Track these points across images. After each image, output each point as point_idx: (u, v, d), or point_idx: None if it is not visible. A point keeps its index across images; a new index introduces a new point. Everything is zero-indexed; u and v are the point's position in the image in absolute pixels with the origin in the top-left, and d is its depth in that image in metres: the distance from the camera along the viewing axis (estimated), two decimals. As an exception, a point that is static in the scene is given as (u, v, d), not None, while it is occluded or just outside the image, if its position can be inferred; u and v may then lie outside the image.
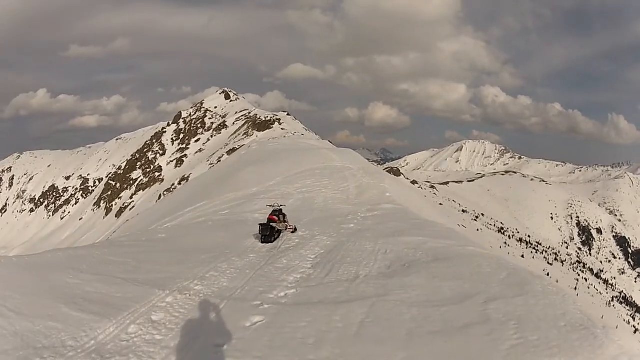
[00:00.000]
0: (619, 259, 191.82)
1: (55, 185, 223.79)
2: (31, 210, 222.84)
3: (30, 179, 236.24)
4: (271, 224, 17.17)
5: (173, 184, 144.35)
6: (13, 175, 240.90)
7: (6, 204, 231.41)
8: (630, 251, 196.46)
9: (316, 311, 9.53)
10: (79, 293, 9.75)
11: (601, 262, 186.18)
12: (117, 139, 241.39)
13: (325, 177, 34.27)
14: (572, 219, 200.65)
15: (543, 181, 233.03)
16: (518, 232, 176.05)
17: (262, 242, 16.66)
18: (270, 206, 19.42)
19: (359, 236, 16.94)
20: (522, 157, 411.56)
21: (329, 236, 17.35)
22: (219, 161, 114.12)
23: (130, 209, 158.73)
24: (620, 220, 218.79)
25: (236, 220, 22.92)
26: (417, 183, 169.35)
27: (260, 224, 17.19)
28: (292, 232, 18.05)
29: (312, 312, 9.49)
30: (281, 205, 19.04)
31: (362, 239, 16.30)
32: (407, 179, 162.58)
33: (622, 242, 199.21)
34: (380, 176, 40.14)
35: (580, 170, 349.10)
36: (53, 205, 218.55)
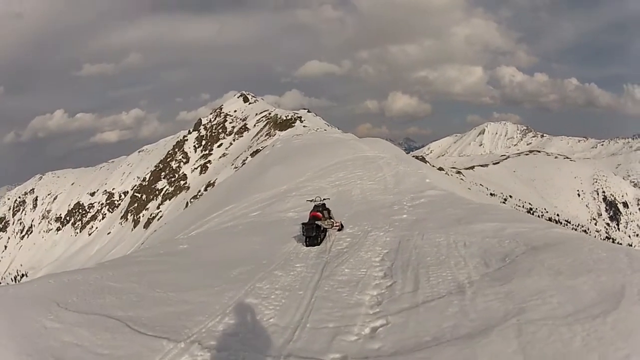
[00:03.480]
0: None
1: (81, 202, 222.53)
2: (58, 229, 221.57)
3: (55, 199, 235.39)
4: (316, 222, 14.41)
5: (199, 191, 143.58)
6: (36, 197, 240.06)
7: (32, 225, 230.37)
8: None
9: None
10: (52, 347, 7.08)
11: (629, 236, 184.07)
12: (139, 151, 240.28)
13: (358, 168, 32.33)
14: (598, 194, 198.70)
15: (567, 158, 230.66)
16: (547, 212, 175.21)
17: (307, 245, 14.00)
18: (310, 201, 16.68)
19: (419, 228, 14.26)
20: (544, 135, 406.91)
21: (385, 231, 14.65)
22: (244, 164, 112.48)
23: (158, 219, 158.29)
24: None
25: (269, 221, 20.95)
26: (443, 169, 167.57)
27: (303, 224, 14.42)
28: (339, 230, 15.32)
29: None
30: (324, 199, 16.34)
31: (425, 230, 13.61)
32: (433, 166, 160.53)
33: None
34: (415, 163, 38.58)
35: (602, 144, 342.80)
36: (80, 222, 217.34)
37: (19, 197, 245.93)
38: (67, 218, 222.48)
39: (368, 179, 28.56)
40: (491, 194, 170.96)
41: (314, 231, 14.09)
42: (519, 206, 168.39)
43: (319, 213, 14.83)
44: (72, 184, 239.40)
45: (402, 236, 13.47)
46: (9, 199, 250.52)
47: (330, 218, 15.22)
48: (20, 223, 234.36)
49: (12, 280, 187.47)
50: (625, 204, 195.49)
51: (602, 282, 7.55)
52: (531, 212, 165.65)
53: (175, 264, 13.17)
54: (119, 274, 11.39)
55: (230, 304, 9.00)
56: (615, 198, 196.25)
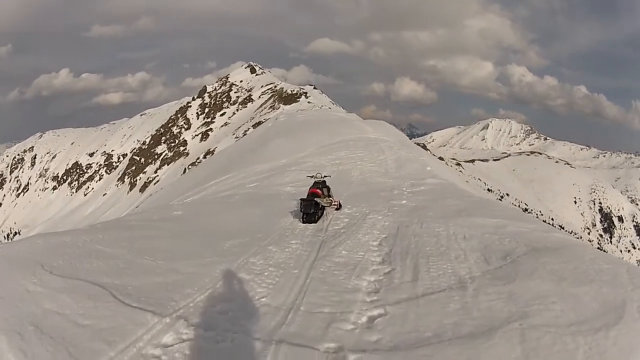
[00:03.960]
0: (639, 249, 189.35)
1: (79, 162, 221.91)
2: (54, 188, 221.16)
3: (53, 157, 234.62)
4: (315, 199, 14.07)
5: (198, 158, 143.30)
6: (35, 155, 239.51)
7: (28, 183, 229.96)
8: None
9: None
10: (33, 313, 6.62)
11: (621, 251, 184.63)
12: (141, 115, 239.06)
13: (359, 149, 32.07)
14: (594, 204, 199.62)
15: (568, 164, 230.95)
16: (542, 214, 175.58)
17: (304, 222, 13.61)
18: (311, 177, 16.22)
19: (419, 215, 13.97)
20: (548, 138, 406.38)
21: (384, 215, 14.34)
22: (245, 134, 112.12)
23: (155, 184, 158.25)
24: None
25: (266, 194, 20.69)
26: (443, 159, 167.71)
27: (301, 199, 14.06)
28: (337, 209, 15.08)
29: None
30: (325, 176, 15.95)
31: (425, 219, 13.31)
32: (434, 155, 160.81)
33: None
34: (417, 149, 38.44)
35: (604, 156, 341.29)
36: (76, 182, 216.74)
37: (18, 155, 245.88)
38: (64, 177, 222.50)
39: (369, 161, 28.37)
40: (488, 190, 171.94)
41: (312, 208, 13.74)
42: (515, 205, 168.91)
43: (318, 190, 14.49)
44: (72, 143, 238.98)
45: (401, 222, 13.17)
46: (7, 156, 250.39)
47: (330, 196, 14.90)
48: (17, 181, 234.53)
49: (5, 238, 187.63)
50: (620, 218, 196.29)
51: (604, 294, 7.39)
52: (527, 212, 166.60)
53: (168, 230, 12.71)
54: (108, 238, 10.99)
55: (221, 277, 8.57)
56: (611, 211, 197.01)
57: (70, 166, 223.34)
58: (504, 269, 8.81)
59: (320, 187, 14.71)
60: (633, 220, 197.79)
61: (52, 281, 7.77)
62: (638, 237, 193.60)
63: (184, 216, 15.42)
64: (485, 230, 11.66)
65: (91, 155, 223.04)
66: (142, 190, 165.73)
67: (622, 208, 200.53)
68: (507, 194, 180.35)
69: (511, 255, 9.53)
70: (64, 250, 9.51)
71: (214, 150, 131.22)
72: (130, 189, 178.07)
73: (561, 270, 8.40)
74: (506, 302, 7.28)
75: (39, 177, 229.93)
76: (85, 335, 6.23)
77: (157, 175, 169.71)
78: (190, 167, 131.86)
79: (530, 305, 7.06)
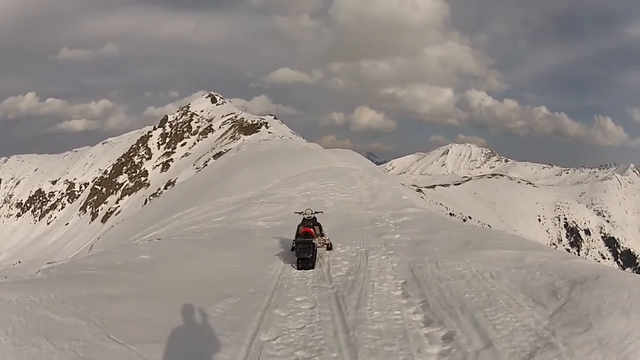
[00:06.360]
0: (608, 259, 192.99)
1: (42, 190, 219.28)
2: (18, 215, 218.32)
3: (17, 183, 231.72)
4: (312, 240, 12.05)
5: (159, 189, 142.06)
6: (0, 179, 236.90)
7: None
8: (620, 251, 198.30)
9: None
10: None
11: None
12: (103, 143, 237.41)
13: (330, 179, 31.25)
14: (559, 220, 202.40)
15: (530, 183, 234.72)
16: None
17: (299, 269, 11.65)
18: (299, 213, 14.00)
19: (425, 252, 12.33)
20: (509, 160, 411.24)
21: (385, 254, 12.52)
22: (205, 165, 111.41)
23: (116, 214, 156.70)
24: (608, 221, 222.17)
25: (238, 230, 19.08)
26: (404, 186, 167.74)
27: (296, 241, 12.01)
28: (328, 249, 13.24)
29: None
30: (316, 212, 13.91)
31: (435, 256, 11.71)
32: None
33: (611, 242, 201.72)
34: (389, 177, 37.61)
35: (567, 172, 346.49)
36: (39, 210, 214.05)
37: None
38: (28, 205, 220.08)
39: (341, 191, 27.60)
40: (450, 214, 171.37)
41: (309, 252, 11.80)
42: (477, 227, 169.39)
43: (311, 229, 12.60)
44: (36, 170, 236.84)
45: (411, 262, 11.42)
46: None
47: (322, 235, 13.22)
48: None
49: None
50: (587, 231, 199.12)
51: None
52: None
53: (136, 285, 9.83)
54: (62, 297, 7.97)
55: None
56: (577, 225, 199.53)
57: (33, 193, 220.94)
58: (567, 312, 7.68)
59: (311, 225, 12.91)
60: (601, 232, 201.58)
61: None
62: (607, 247, 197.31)
63: (152, 262, 12.36)
64: (506, 265, 10.49)
65: (54, 183, 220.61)
66: (103, 220, 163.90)
67: (589, 221, 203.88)
68: (470, 217, 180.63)
69: (560, 292, 8.52)
70: (7, 319, 6.82)
71: (174, 181, 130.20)
72: (92, 219, 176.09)
73: (620, 301, 7.69)
74: (603, 351, 6.28)
75: (4, 203, 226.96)
76: None
77: (119, 206, 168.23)
78: (151, 198, 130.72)
79: (624, 349, 6.29)
